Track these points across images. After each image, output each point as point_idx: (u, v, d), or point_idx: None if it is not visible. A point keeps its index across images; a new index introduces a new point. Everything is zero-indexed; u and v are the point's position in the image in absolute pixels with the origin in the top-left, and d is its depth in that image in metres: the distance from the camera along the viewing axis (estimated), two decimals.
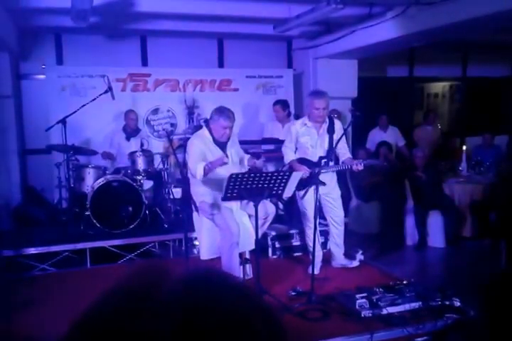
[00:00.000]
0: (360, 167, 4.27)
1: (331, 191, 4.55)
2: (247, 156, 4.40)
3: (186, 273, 0.64)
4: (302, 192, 4.43)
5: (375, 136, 7.27)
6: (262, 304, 0.64)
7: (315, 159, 4.42)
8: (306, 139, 4.43)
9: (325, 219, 4.75)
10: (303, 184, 4.34)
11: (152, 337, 0.53)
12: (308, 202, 4.47)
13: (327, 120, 4.42)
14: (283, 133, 6.26)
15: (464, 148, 6.65)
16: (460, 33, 6.00)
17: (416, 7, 5.13)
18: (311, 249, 4.32)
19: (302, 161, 4.45)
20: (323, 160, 4.41)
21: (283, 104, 6.41)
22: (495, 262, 4.50)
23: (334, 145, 4.36)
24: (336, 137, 4.40)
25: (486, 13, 4.41)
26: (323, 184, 4.40)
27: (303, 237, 4.97)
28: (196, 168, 3.97)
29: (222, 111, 4.07)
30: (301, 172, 3.97)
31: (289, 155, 4.55)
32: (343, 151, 4.48)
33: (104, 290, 0.61)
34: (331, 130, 4.40)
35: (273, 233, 5.18)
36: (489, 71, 9.12)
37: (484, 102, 9.06)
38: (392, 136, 7.30)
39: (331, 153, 4.40)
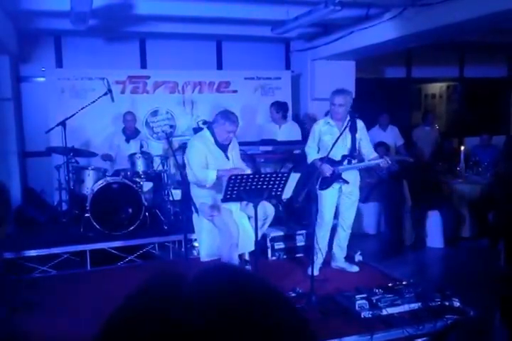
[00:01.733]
0: (388, 163, 4.29)
1: (353, 191, 4.56)
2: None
3: (206, 272, 0.66)
4: (323, 192, 4.44)
5: (375, 135, 7.28)
6: (286, 300, 0.66)
7: (338, 158, 4.41)
8: (328, 138, 4.42)
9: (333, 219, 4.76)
10: (326, 182, 4.36)
11: (186, 335, 0.55)
12: (327, 201, 4.48)
13: (348, 118, 4.42)
14: (280, 134, 6.31)
15: (462, 148, 6.67)
16: (457, 34, 6.03)
17: (413, 8, 5.15)
18: (317, 250, 4.34)
19: (325, 160, 4.39)
20: (346, 159, 4.43)
21: (277, 106, 6.44)
22: (494, 262, 4.53)
23: (357, 145, 4.41)
24: (358, 136, 4.43)
25: (482, 14, 4.43)
26: (347, 182, 4.42)
27: (303, 238, 5.00)
28: (207, 175, 4.01)
29: (228, 116, 4.14)
30: (298, 174, 3.99)
31: (312, 154, 4.54)
32: (369, 150, 4.51)
33: (127, 294, 0.64)
34: (353, 129, 4.40)
35: (272, 234, 5.19)
36: (486, 71, 9.15)
37: (481, 103, 9.10)
38: (391, 135, 7.32)
39: (354, 152, 4.43)
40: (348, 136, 4.40)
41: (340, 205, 4.59)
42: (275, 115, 6.44)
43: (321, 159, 4.40)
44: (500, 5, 4.19)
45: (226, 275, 0.66)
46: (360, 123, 4.49)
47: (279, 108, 6.43)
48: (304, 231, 5.25)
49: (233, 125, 4.11)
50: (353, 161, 4.47)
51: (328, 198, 4.47)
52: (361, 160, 4.55)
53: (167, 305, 0.59)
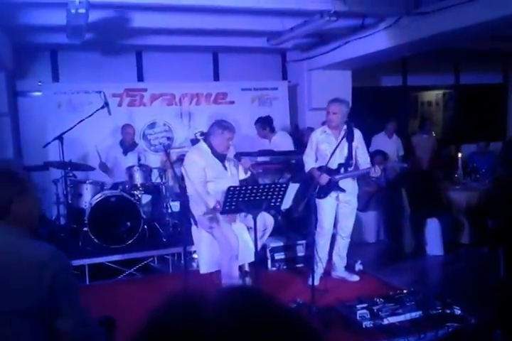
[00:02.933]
0: (378, 172, 4.30)
1: (351, 199, 4.58)
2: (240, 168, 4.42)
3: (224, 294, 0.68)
4: (322, 201, 4.44)
5: (379, 142, 7.31)
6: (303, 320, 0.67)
7: (334, 166, 4.43)
8: (325, 146, 4.48)
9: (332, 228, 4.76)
10: (324, 191, 4.38)
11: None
12: (325, 210, 4.49)
13: (345, 127, 4.47)
14: (272, 147, 6.33)
15: (460, 155, 6.68)
16: (451, 42, 6.08)
17: (407, 18, 5.20)
18: (317, 259, 4.33)
19: (322, 169, 4.43)
20: (342, 168, 4.45)
21: (262, 122, 6.46)
22: (494, 269, 4.51)
23: (354, 153, 4.43)
24: (354, 145, 4.46)
25: (476, 22, 4.46)
26: (343, 191, 4.43)
27: (303, 248, 4.98)
28: (207, 200, 4.05)
29: (224, 125, 4.18)
30: (297, 184, 4.00)
31: (309, 163, 4.59)
32: (364, 160, 4.52)
33: (149, 316, 0.66)
34: (349, 137, 4.43)
35: (272, 244, 5.17)
36: (481, 78, 9.20)
37: (478, 109, 9.13)
38: (395, 144, 7.34)
39: (350, 160, 4.44)
40: (344, 145, 4.42)
41: (339, 214, 4.60)
42: (262, 132, 6.47)
43: (319, 168, 4.42)
44: (494, 13, 4.23)
45: (249, 299, 0.67)
46: (357, 133, 4.51)
47: (264, 124, 6.46)
48: (303, 241, 5.23)
49: (231, 132, 4.15)
50: (349, 169, 4.49)
51: (326, 207, 4.48)
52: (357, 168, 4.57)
53: (190, 325, 0.60)
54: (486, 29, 4.97)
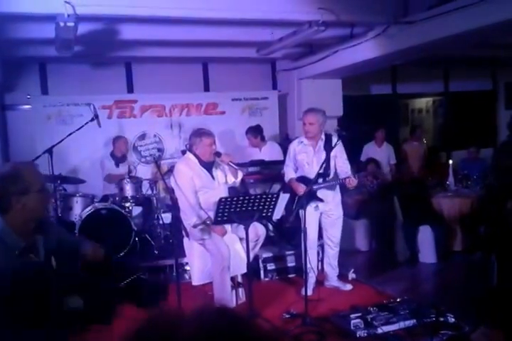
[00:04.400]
0: (354, 182, 4.28)
1: (333, 209, 4.56)
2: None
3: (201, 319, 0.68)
4: (303, 211, 4.42)
5: (369, 151, 7.33)
6: None
7: (312, 176, 4.42)
8: (302, 156, 4.50)
9: (321, 238, 4.74)
10: (302, 201, 4.35)
11: None
12: (309, 220, 4.46)
13: (323, 137, 4.47)
14: (262, 157, 6.33)
15: (451, 162, 6.70)
16: (439, 50, 6.12)
17: (396, 26, 5.24)
18: (309, 269, 4.31)
19: (300, 179, 4.46)
20: (320, 177, 4.43)
21: (253, 131, 6.46)
22: (487, 276, 4.50)
23: (332, 163, 4.41)
24: (333, 154, 4.44)
25: (464, 30, 4.50)
26: (321, 200, 4.42)
27: (294, 258, 4.96)
28: (199, 211, 4.02)
29: (200, 132, 4.16)
30: (287, 195, 3.99)
31: (289, 173, 4.60)
32: (344, 170, 4.50)
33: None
34: (327, 147, 4.43)
35: (264, 255, 5.15)
36: (471, 85, 9.29)
37: (468, 116, 9.20)
38: (385, 152, 7.35)
39: (328, 170, 4.42)
40: (322, 155, 4.43)
41: (323, 224, 4.61)
42: (254, 140, 6.46)
43: (300, 178, 4.44)
44: (481, 21, 4.27)
45: (226, 321, 0.67)
46: (335, 141, 4.51)
47: (256, 132, 6.47)
48: (294, 252, 5.21)
49: (210, 137, 4.12)
50: (328, 179, 4.47)
51: (309, 217, 4.45)
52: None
53: None
54: (474, 37, 5.01)
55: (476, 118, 9.23)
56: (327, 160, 4.39)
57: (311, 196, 4.41)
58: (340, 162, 4.48)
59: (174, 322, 0.66)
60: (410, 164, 7.47)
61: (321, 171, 4.40)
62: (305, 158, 4.47)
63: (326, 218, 4.58)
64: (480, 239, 5.23)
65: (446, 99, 9.44)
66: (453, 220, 5.74)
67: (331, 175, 4.43)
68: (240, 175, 4.33)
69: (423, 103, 9.49)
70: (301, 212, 4.37)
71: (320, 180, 4.42)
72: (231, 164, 4.13)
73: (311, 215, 4.46)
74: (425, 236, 5.56)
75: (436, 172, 6.98)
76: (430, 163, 7.49)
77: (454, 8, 4.41)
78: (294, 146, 4.59)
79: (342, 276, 4.86)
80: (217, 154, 4.14)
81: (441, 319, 3.73)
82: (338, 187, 4.59)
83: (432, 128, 9.50)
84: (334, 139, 4.48)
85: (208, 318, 0.67)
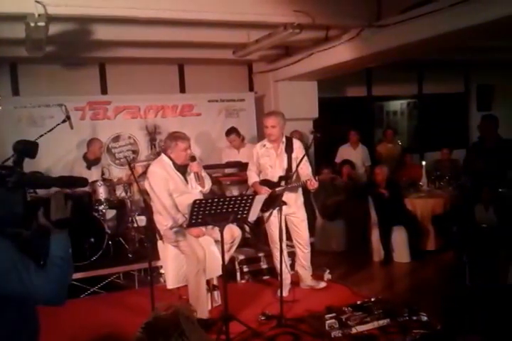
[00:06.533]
0: (314, 184, 4.29)
1: (296, 211, 4.58)
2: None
3: None
4: (267, 214, 4.44)
5: (344, 152, 7.39)
6: None
7: (275, 179, 4.46)
8: (265, 160, 4.53)
9: (291, 240, 4.76)
10: (266, 205, 4.35)
11: None
12: (273, 224, 4.49)
13: (284, 140, 4.50)
14: (239, 158, 6.33)
15: (424, 163, 6.81)
16: (412, 53, 6.21)
17: (369, 30, 5.31)
18: (279, 272, 4.31)
19: (264, 182, 4.49)
20: (282, 180, 4.45)
21: (236, 132, 6.45)
22: (459, 275, 4.58)
23: (296, 165, 4.40)
24: (294, 156, 4.46)
25: (435, 34, 4.58)
26: (285, 203, 4.42)
27: (271, 260, 4.96)
28: (174, 214, 3.98)
29: (175, 136, 4.10)
30: (264, 195, 3.99)
31: (252, 177, 4.61)
32: (306, 172, 4.51)
33: None
34: (288, 150, 4.47)
35: (240, 257, 5.14)
36: (443, 88, 9.46)
37: (440, 118, 9.36)
38: (360, 154, 7.42)
39: (290, 173, 4.44)
40: (284, 157, 4.46)
41: (290, 227, 4.63)
42: (237, 140, 6.43)
43: (264, 182, 4.48)
44: (453, 25, 4.35)
45: None
46: (296, 143, 4.54)
47: (238, 133, 6.45)
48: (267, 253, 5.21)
49: (185, 141, 4.07)
50: (290, 181, 4.49)
51: (272, 220, 4.47)
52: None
53: None
54: (445, 40, 5.10)
55: (449, 120, 9.40)
56: (289, 163, 4.43)
57: (274, 199, 4.42)
58: (302, 164, 4.50)
59: None
60: (384, 165, 7.54)
61: (283, 174, 4.43)
62: (268, 161, 4.50)
63: (290, 220, 4.60)
64: (452, 238, 5.32)
65: (420, 101, 9.60)
66: (426, 220, 5.82)
67: (294, 178, 4.44)
68: (208, 184, 4.26)
69: (397, 105, 9.62)
70: (263, 215, 4.41)
71: (282, 183, 4.44)
72: (197, 175, 4.09)
73: (274, 219, 4.44)
74: (399, 236, 5.63)
75: (410, 173, 7.07)
76: (404, 164, 7.59)
77: (426, 12, 4.49)
78: (256, 150, 4.61)
79: (317, 276, 4.88)
80: (192, 158, 4.09)
81: (414, 318, 3.79)
82: (300, 189, 4.60)
83: (406, 130, 9.63)
84: (295, 142, 4.54)
85: None
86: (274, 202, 4.31)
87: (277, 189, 4.41)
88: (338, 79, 7.81)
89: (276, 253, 4.50)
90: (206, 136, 7.09)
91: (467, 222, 4.94)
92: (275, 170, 4.43)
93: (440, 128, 9.18)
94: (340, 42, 5.83)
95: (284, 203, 4.39)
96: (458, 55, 7.73)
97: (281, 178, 4.45)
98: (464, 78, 9.82)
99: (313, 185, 4.29)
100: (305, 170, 4.50)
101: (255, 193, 4.43)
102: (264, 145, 4.56)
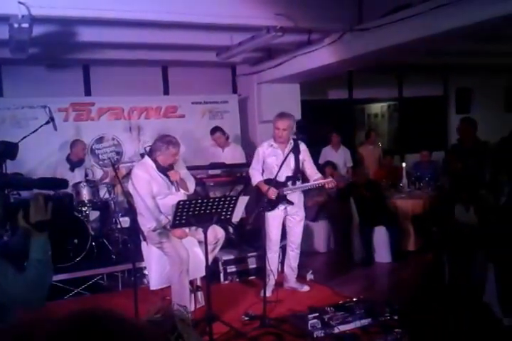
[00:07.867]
0: (333, 184, 4.39)
1: (298, 211, 4.64)
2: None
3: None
4: (268, 214, 4.46)
5: (327, 155, 7.50)
6: None
7: (282, 179, 4.48)
8: (272, 159, 4.55)
9: (283, 239, 4.81)
10: (272, 204, 4.41)
11: None
12: (272, 222, 4.52)
13: (291, 141, 4.54)
14: (223, 158, 6.37)
15: (404, 165, 6.92)
16: (392, 57, 6.32)
17: (351, 33, 5.38)
18: (270, 272, 4.36)
19: (269, 182, 4.46)
20: (290, 181, 4.50)
21: (221, 130, 6.55)
22: (439, 275, 4.68)
23: (301, 166, 4.50)
24: (301, 158, 4.54)
25: (415, 38, 4.67)
26: (292, 203, 4.48)
27: (255, 260, 5.01)
28: (157, 215, 3.99)
29: (167, 140, 4.07)
30: (247, 197, 4.02)
31: (256, 176, 4.62)
32: (313, 171, 4.60)
33: None
34: (296, 151, 4.51)
35: (225, 257, 5.17)
36: (423, 91, 9.62)
37: (420, 120, 9.52)
38: (342, 155, 7.54)
39: (298, 173, 4.50)
40: (291, 158, 4.50)
41: (287, 226, 4.68)
42: (222, 138, 6.51)
43: (268, 181, 4.46)
44: (433, 28, 4.43)
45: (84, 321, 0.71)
46: (302, 146, 4.61)
47: (223, 131, 6.52)
48: (255, 254, 5.25)
49: (176, 146, 4.07)
50: (298, 182, 4.57)
51: (273, 219, 4.53)
52: (306, 181, 4.65)
53: None
54: (425, 44, 5.20)
55: (428, 123, 9.56)
56: (296, 164, 4.49)
57: (281, 199, 4.49)
58: (309, 165, 4.59)
59: (25, 334, 0.65)
60: (366, 167, 7.67)
61: (290, 174, 4.49)
62: (274, 161, 4.53)
63: (290, 220, 4.65)
64: (432, 239, 5.42)
65: (400, 104, 9.74)
66: (407, 221, 5.93)
67: (300, 179, 4.52)
68: (192, 187, 4.28)
69: (378, 108, 9.75)
70: (266, 214, 4.40)
71: (289, 183, 4.49)
72: (177, 183, 4.11)
73: (275, 218, 4.52)
74: (380, 236, 5.72)
75: (391, 174, 7.19)
76: (385, 166, 7.71)
77: (406, 16, 4.58)
78: (263, 149, 4.63)
79: (300, 278, 4.93)
80: (170, 166, 4.09)
81: (395, 317, 3.86)
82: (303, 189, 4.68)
83: (386, 132, 9.77)
84: (302, 145, 4.58)
85: (63, 329, 0.66)
86: (279, 201, 4.39)
87: (286, 189, 4.48)
88: (321, 81, 7.90)
89: (270, 254, 4.55)
90: (190, 135, 7.11)
91: (446, 222, 5.05)
92: (282, 170, 4.36)
93: (420, 131, 9.33)
94: (323, 46, 5.90)
95: (291, 203, 4.45)
96: (437, 59, 7.88)
97: (288, 178, 4.49)
98: (443, 81, 10.00)
99: (332, 184, 4.39)
100: (312, 170, 4.60)
101: (260, 192, 4.47)
102: (272, 145, 4.59)
